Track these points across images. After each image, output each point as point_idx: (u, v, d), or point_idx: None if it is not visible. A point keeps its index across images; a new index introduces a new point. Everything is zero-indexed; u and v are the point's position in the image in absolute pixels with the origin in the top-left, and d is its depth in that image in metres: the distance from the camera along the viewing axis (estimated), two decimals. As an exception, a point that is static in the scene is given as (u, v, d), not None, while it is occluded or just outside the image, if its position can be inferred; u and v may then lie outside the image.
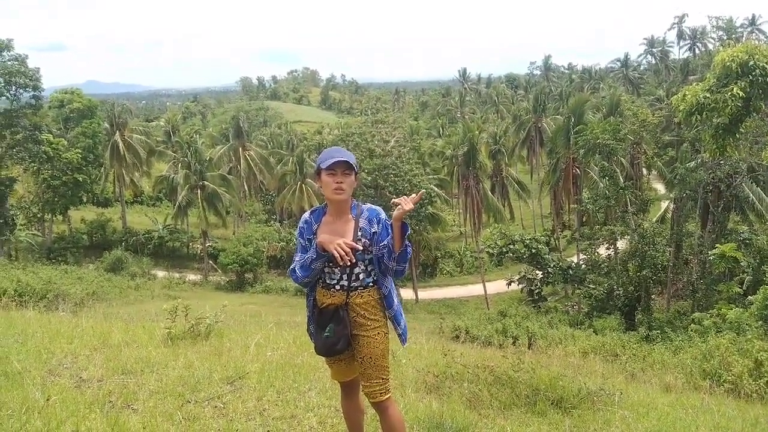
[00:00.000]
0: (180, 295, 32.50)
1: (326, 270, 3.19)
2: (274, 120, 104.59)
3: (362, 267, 3.18)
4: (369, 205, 3.26)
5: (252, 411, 4.24)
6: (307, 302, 3.32)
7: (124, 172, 52.74)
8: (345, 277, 3.16)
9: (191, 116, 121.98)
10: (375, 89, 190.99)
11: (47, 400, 3.65)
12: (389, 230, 3.10)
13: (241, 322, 8.73)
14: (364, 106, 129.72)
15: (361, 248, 3.11)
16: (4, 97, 43.67)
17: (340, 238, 3.07)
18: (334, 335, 3.13)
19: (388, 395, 3.20)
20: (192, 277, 45.15)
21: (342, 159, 3.06)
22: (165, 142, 61.80)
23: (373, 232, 3.16)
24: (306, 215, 3.28)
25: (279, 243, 46.95)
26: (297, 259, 3.23)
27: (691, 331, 15.64)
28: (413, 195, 3.00)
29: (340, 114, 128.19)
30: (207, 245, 46.75)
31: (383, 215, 3.20)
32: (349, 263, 3.06)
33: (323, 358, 3.36)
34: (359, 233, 3.14)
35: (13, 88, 42.88)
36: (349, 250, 3.03)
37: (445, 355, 6.28)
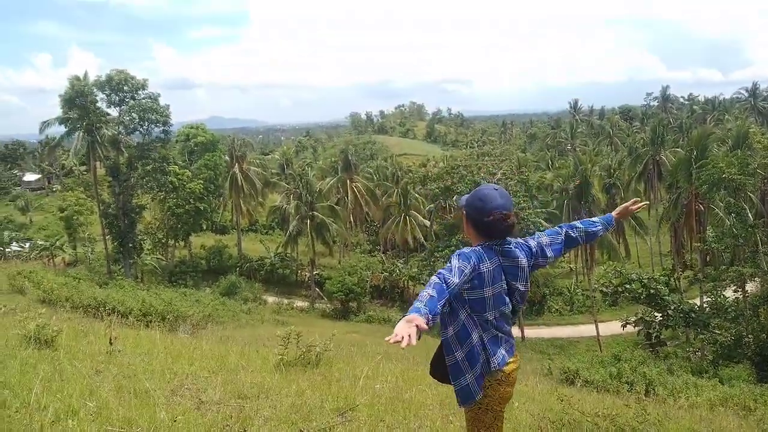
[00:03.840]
0: (288, 321, 33.59)
1: None
2: (380, 153, 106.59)
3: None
4: (479, 246, 2.92)
5: (363, 445, 4.19)
6: None
7: (241, 201, 55.76)
8: None
9: (303, 150, 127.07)
10: (481, 122, 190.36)
11: (173, 421, 3.79)
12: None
13: (348, 352, 8.78)
14: (469, 139, 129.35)
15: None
16: (138, 132, 47.80)
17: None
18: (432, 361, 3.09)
19: None
20: (299, 303, 46.52)
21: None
22: (279, 174, 64.83)
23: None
24: None
25: (382, 273, 47.45)
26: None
27: (839, 387, 13.97)
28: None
29: (445, 147, 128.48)
30: (314, 273, 48.14)
31: (455, 262, 2.74)
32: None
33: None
34: None
35: (146, 123, 46.81)
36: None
37: (562, 400, 5.94)
